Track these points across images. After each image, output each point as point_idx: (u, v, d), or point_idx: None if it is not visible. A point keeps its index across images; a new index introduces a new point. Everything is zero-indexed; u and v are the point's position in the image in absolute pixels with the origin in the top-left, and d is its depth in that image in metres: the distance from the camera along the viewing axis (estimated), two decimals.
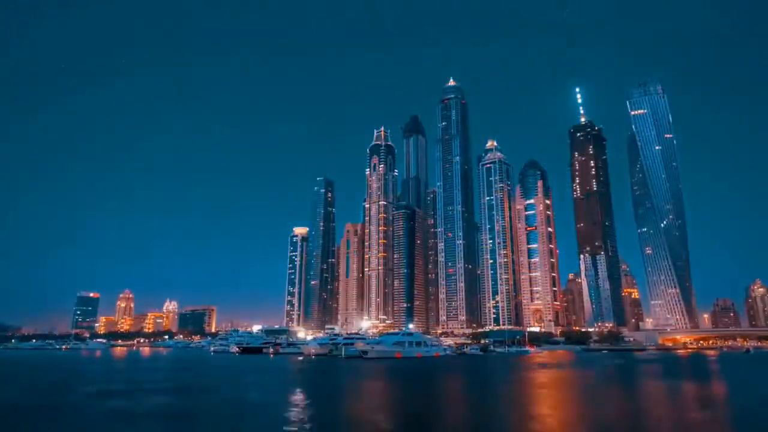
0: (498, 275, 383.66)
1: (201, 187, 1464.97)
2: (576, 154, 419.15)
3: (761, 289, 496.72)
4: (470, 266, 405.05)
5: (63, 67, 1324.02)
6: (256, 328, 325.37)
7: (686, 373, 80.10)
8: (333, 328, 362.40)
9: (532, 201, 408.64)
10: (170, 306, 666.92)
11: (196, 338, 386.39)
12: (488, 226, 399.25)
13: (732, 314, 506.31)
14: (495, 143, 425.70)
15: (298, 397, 43.02)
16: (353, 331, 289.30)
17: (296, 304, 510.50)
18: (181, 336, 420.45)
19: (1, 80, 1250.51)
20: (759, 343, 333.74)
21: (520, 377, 70.16)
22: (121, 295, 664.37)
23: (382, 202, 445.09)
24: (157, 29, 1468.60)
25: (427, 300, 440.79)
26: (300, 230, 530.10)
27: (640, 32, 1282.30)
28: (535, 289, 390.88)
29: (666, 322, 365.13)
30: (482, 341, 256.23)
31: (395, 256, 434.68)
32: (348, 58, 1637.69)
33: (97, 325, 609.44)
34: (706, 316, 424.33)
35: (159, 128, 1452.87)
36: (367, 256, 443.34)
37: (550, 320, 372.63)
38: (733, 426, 30.68)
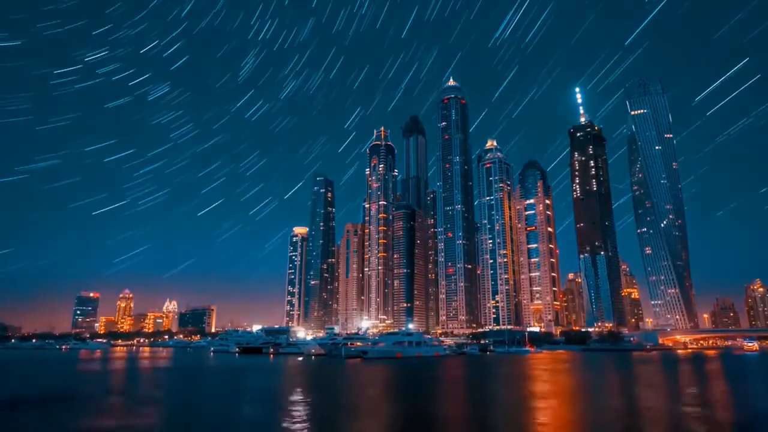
0: (498, 275, 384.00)
1: (200, 186, 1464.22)
2: (576, 154, 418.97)
3: (761, 289, 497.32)
4: (470, 266, 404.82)
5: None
6: (256, 327, 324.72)
7: (684, 371, 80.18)
8: (333, 328, 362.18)
9: (532, 201, 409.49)
10: (170, 306, 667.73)
11: (196, 338, 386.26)
12: (488, 226, 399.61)
13: (732, 314, 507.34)
14: (495, 143, 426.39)
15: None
16: (353, 331, 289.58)
17: (296, 304, 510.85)
18: (181, 336, 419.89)
19: None
20: (759, 343, 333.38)
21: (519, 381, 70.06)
22: (121, 295, 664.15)
23: (382, 202, 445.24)
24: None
25: (427, 300, 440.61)
26: (300, 230, 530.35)
27: (641, 32, 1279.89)
28: (535, 289, 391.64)
29: (666, 322, 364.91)
30: (482, 341, 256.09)
31: (395, 256, 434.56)
32: (347, 58, 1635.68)
33: (97, 325, 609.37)
34: (706, 316, 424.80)
35: (159, 128, 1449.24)
36: (367, 256, 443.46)
37: (550, 320, 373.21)
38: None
